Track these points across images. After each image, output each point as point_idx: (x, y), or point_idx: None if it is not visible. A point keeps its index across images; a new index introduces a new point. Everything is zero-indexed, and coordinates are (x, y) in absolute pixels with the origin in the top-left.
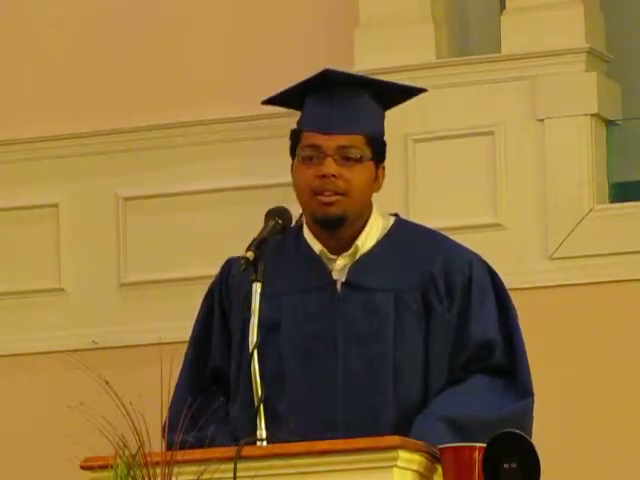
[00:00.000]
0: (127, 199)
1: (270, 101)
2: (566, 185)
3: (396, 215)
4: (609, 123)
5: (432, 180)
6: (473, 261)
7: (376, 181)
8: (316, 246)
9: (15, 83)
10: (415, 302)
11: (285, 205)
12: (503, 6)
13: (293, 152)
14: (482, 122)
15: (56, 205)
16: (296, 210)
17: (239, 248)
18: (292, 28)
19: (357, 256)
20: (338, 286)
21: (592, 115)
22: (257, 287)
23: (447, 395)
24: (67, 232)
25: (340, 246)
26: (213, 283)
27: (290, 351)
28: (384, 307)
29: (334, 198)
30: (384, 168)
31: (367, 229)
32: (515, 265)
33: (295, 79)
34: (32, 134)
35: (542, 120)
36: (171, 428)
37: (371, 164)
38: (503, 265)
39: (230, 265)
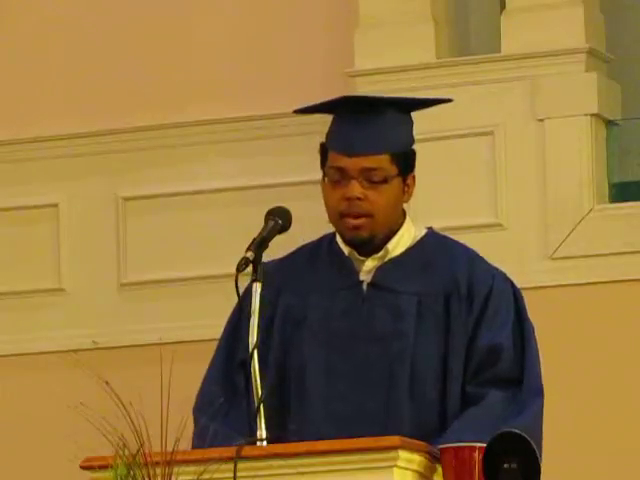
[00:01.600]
0: (127, 199)
1: (301, 111)
2: (566, 185)
3: (430, 228)
4: (609, 123)
5: (432, 180)
6: (496, 275)
7: (405, 192)
8: (346, 248)
9: (15, 83)
10: (438, 306)
11: (285, 205)
12: (503, 6)
13: (322, 165)
14: (482, 122)
15: (56, 205)
16: (296, 210)
17: (239, 248)
18: (292, 28)
19: (386, 259)
20: (364, 287)
21: (592, 115)
22: (257, 287)
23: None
24: (67, 232)
25: (370, 249)
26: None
27: (313, 349)
28: (407, 309)
29: (361, 221)
30: (414, 177)
31: (399, 235)
32: (515, 265)
33: (295, 79)
34: (32, 134)
35: (542, 120)
36: (200, 411)
37: (398, 181)
38: (503, 265)
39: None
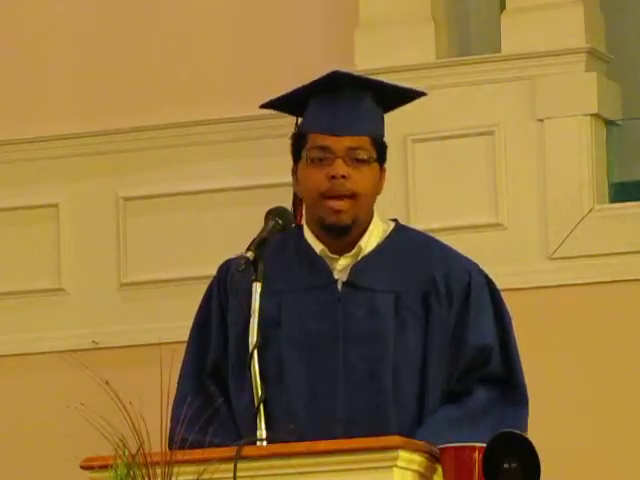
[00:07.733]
0: (127, 199)
1: (269, 105)
2: (566, 185)
3: (395, 220)
4: (609, 123)
5: (432, 180)
6: (472, 270)
7: (379, 183)
8: (317, 246)
9: (15, 83)
10: (415, 304)
11: (285, 205)
12: (503, 6)
13: (296, 155)
14: (482, 122)
15: (56, 205)
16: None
17: (239, 248)
18: (292, 28)
19: (359, 257)
20: (339, 286)
21: (592, 115)
22: (257, 287)
23: (448, 422)
24: (67, 232)
25: (341, 247)
26: (211, 283)
27: (290, 349)
28: (384, 308)
29: (344, 205)
30: (385, 170)
31: (369, 231)
32: (515, 265)
33: (295, 79)
34: (32, 134)
35: (542, 120)
36: (176, 424)
37: (376, 165)
38: (503, 265)
39: (228, 265)
